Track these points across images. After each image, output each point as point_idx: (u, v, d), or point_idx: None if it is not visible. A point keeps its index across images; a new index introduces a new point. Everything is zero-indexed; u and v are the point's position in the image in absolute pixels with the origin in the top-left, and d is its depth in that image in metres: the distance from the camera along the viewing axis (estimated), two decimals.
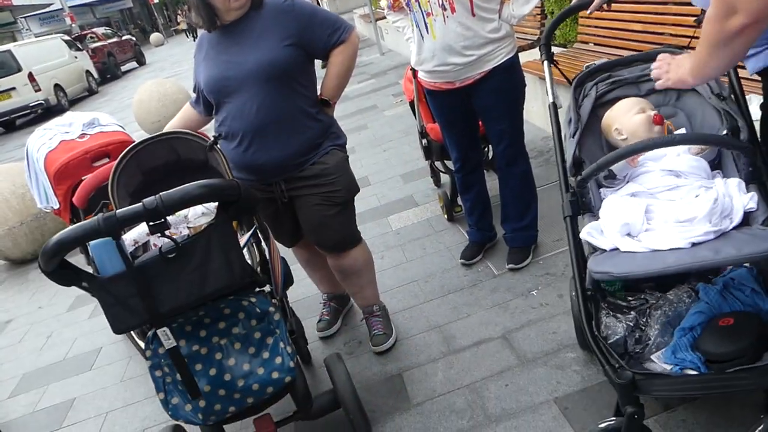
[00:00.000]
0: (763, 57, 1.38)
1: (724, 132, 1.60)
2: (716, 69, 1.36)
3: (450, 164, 3.41)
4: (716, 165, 1.73)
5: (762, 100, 1.50)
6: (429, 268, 3.08)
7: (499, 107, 2.64)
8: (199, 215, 1.59)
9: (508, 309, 2.57)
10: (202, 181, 1.48)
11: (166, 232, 1.48)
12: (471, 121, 2.80)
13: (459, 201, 3.47)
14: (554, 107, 1.83)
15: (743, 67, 1.48)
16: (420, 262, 3.17)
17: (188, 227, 1.59)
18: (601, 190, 1.79)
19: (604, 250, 1.56)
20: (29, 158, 2.69)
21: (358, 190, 2.41)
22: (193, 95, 2.41)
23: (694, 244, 1.41)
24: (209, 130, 2.32)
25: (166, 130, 2.29)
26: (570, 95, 1.77)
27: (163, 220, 1.45)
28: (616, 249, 1.53)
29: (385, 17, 4.10)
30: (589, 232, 1.60)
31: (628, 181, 1.76)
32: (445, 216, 3.51)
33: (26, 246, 4.93)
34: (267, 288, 1.97)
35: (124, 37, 24.07)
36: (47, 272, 1.43)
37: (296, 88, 2.22)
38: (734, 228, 1.46)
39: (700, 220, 1.45)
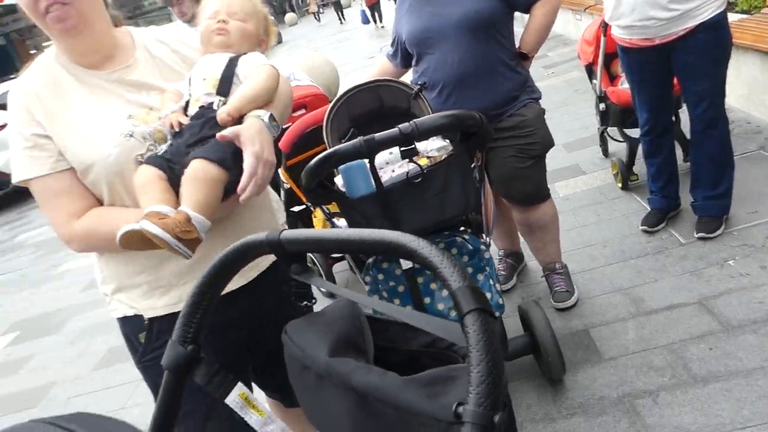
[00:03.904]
0: None
1: None
2: None
3: (629, 132, 3.30)
4: None
5: None
6: (605, 233, 3.01)
7: (702, 66, 2.49)
8: (435, 148, 1.68)
9: (702, 277, 2.45)
10: (447, 111, 1.56)
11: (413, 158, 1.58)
12: (666, 81, 2.68)
13: (634, 170, 3.36)
14: None
15: None
16: (595, 227, 3.10)
17: (427, 156, 1.68)
18: None
19: None
20: None
21: (553, 145, 2.40)
22: (390, 49, 2.51)
23: None
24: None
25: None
26: None
27: (413, 146, 1.54)
28: None
29: None
30: None
31: None
32: (619, 184, 3.40)
33: None
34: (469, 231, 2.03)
35: None
36: (309, 190, 1.57)
37: (498, 39, 2.24)
38: None
39: None
